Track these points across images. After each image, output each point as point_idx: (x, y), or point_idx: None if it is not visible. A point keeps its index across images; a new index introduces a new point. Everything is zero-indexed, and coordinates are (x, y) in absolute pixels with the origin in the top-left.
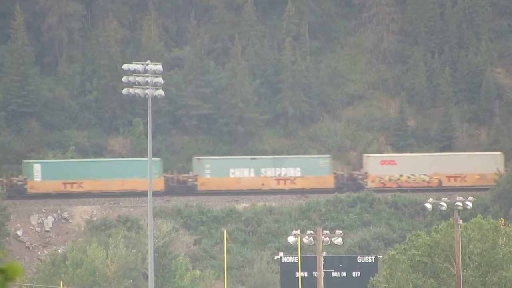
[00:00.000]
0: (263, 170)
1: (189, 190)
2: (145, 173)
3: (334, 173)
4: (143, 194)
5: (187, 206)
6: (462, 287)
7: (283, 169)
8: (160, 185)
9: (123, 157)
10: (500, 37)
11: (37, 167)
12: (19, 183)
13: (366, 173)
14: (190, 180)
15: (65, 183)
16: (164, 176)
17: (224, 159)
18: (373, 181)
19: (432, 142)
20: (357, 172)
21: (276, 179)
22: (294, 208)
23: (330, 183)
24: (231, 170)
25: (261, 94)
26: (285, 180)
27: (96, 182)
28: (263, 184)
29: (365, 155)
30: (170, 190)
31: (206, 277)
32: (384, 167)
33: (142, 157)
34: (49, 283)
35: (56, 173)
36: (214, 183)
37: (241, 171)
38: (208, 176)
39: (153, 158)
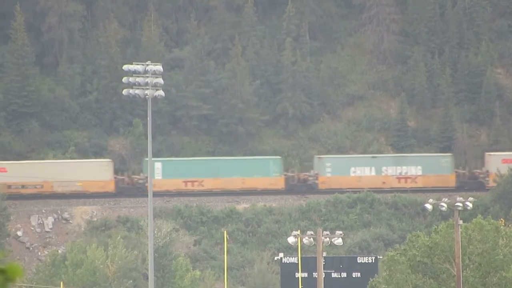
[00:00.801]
0: (384, 168)
1: (310, 188)
2: (266, 171)
3: (456, 172)
4: (263, 192)
5: (187, 206)
6: (462, 287)
7: (404, 167)
8: (280, 183)
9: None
10: (500, 37)
11: (158, 166)
12: (140, 181)
13: (487, 171)
14: (310, 178)
15: (185, 181)
16: (285, 175)
17: (345, 157)
18: (495, 180)
19: (432, 143)
20: (479, 171)
21: (397, 178)
22: (294, 208)
23: (451, 181)
24: (352, 169)
25: (261, 94)
26: (406, 178)
27: (216, 181)
28: (384, 183)
29: (487, 153)
30: (291, 188)
31: (206, 277)
32: (506, 165)
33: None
34: (49, 284)
35: (177, 172)
36: (334, 181)
37: (362, 170)
38: (329, 175)
39: (273, 157)
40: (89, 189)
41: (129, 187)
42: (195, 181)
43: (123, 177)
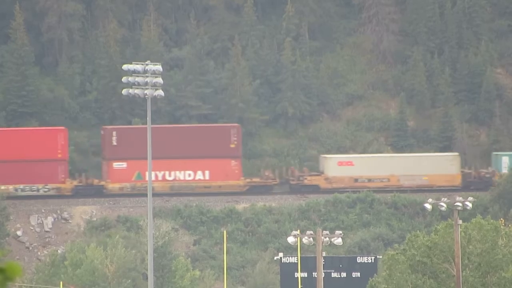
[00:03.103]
0: None
1: None
2: None
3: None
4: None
5: (186, 206)
6: (461, 287)
7: None
8: None
9: None
10: (500, 37)
11: (505, 160)
12: (487, 175)
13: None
14: None
15: None
16: None
17: None
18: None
19: (432, 143)
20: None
21: None
22: (294, 208)
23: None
24: None
25: (261, 94)
26: None
27: None
28: None
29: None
30: None
31: (206, 277)
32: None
33: None
34: (48, 283)
35: None
36: None
37: None
38: None
39: None
40: (435, 183)
41: (476, 181)
42: None
43: (470, 171)
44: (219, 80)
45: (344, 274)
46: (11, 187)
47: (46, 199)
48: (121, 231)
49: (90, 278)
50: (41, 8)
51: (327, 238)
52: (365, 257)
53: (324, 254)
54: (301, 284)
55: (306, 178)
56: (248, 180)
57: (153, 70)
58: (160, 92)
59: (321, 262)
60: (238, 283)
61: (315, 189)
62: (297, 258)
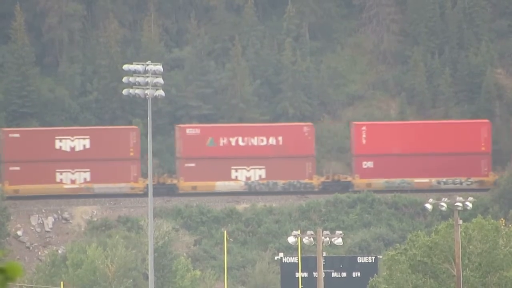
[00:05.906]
0: None
1: None
2: None
3: None
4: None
5: (187, 206)
6: (462, 287)
7: None
8: None
9: None
10: (500, 37)
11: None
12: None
13: None
14: None
15: None
16: None
17: None
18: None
19: None
20: None
21: None
22: (294, 208)
23: None
24: None
25: (261, 94)
26: None
27: None
28: None
29: None
30: None
31: (207, 277)
32: None
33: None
34: (49, 283)
35: None
36: None
37: None
38: None
39: None
40: None
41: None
42: None
43: None
44: (219, 80)
45: (344, 274)
46: (433, 180)
47: (47, 199)
48: (122, 231)
49: (91, 278)
50: (41, 9)
51: (328, 238)
52: (366, 257)
53: (324, 254)
54: (301, 284)
55: None
56: None
57: (154, 70)
58: (161, 92)
59: (321, 262)
60: (238, 283)
61: None
62: (298, 258)
